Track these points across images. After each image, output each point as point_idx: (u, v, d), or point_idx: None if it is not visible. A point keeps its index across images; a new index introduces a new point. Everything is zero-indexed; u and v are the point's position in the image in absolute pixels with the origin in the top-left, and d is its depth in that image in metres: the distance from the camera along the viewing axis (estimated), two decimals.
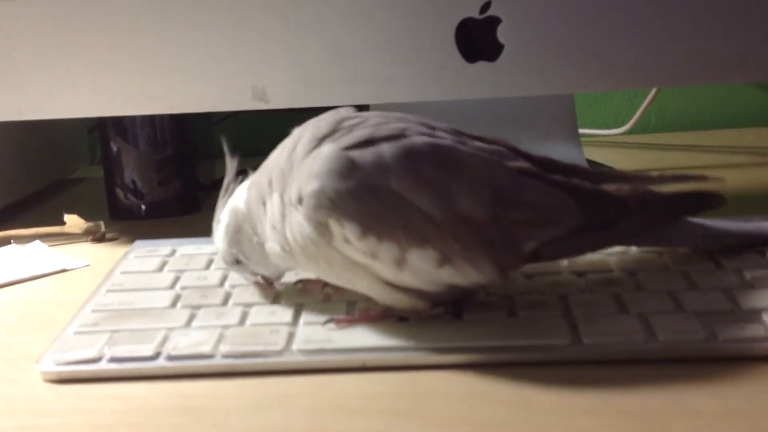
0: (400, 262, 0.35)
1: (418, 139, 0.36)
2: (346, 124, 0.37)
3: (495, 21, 0.51)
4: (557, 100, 0.64)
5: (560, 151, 0.63)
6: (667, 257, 0.42)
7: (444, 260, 0.35)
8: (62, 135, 0.75)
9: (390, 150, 0.35)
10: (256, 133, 0.83)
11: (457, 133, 0.38)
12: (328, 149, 0.35)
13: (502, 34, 0.51)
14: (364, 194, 0.34)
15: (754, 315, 0.35)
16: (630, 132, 0.81)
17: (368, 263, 0.35)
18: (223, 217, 0.40)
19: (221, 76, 0.52)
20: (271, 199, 0.37)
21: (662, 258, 0.42)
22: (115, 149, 0.61)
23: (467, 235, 0.35)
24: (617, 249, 0.44)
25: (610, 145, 0.79)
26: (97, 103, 0.52)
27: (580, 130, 0.67)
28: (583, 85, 0.53)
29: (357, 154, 0.35)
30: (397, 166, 0.35)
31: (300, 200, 0.35)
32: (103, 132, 0.61)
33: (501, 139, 0.39)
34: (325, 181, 0.34)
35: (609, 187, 0.38)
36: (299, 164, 0.36)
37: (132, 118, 0.60)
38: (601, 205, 0.38)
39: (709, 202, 0.40)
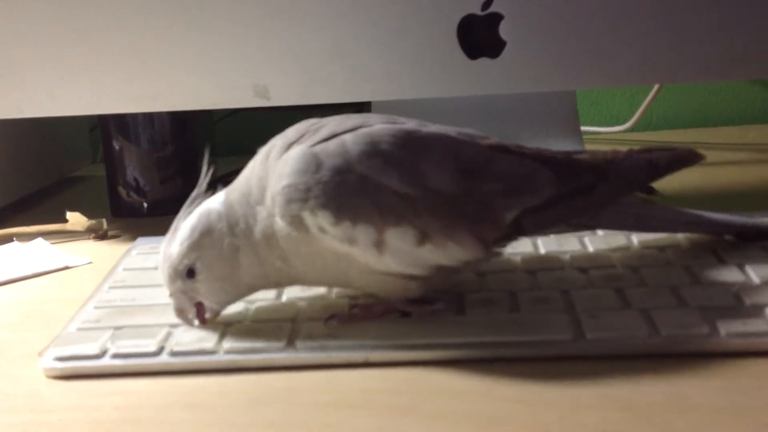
0: (378, 244, 0.35)
1: (378, 126, 0.37)
2: (313, 128, 0.37)
3: (497, 17, 0.51)
4: (559, 97, 0.64)
5: (562, 149, 0.63)
6: (669, 253, 0.42)
7: (423, 237, 0.35)
8: (64, 133, 0.75)
9: (352, 138, 0.36)
10: (257, 131, 0.83)
11: (422, 121, 0.38)
12: (294, 151, 0.36)
13: (503, 30, 0.51)
14: (331, 181, 0.35)
15: (757, 310, 0.35)
16: (632, 129, 0.81)
17: (348, 251, 0.35)
18: (187, 222, 0.37)
19: (223, 73, 0.52)
20: (258, 211, 0.36)
21: (664, 253, 0.42)
22: (116, 147, 0.61)
23: (442, 209, 0.35)
24: (618, 244, 0.44)
25: (612, 143, 0.79)
26: (98, 101, 0.53)
27: (582, 128, 0.67)
28: (585, 82, 0.53)
29: (320, 148, 0.35)
30: (359, 150, 0.35)
31: (274, 202, 0.35)
32: (104, 130, 0.61)
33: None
34: (292, 178, 0.35)
35: (582, 156, 0.39)
36: (272, 171, 0.36)
37: (134, 117, 0.60)
38: (575, 172, 0.38)
39: (685, 159, 0.40)
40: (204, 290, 0.37)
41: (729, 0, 0.50)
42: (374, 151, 0.36)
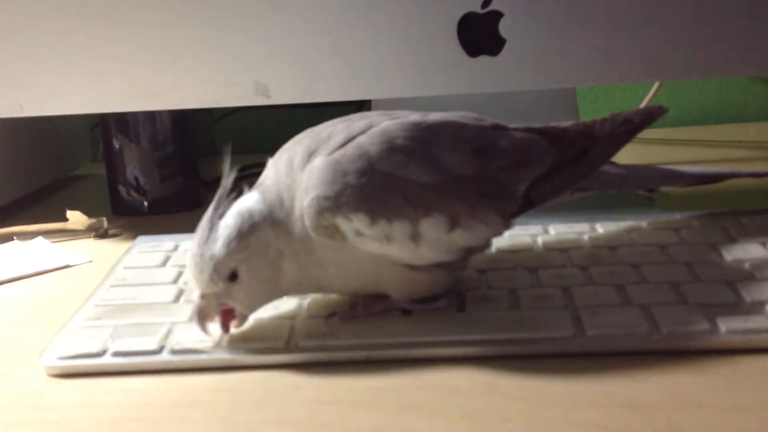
0: (414, 237, 0.36)
1: (387, 123, 0.37)
2: (324, 135, 0.37)
3: (497, 15, 0.51)
4: (559, 94, 0.64)
5: None
6: (670, 249, 0.42)
7: (454, 222, 0.36)
8: (64, 132, 0.75)
9: (367, 139, 0.36)
10: (257, 130, 0.83)
11: (420, 111, 0.39)
12: (317, 162, 0.36)
13: (503, 28, 0.51)
14: (358, 184, 0.35)
15: (757, 306, 0.35)
16: None
17: (385, 249, 0.35)
18: (227, 222, 0.35)
19: (223, 71, 0.52)
20: (293, 219, 0.36)
21: (665, 250, 0.42)
22: (117, 146, 0.61)
23: (465, 192, 0.37)
24: (620, 241, 0.44)
25: None
26: (99, 100, 0.52)
27: None
28: (585, 80, 0.53)
29: (339, 155, 0.36)
30: (378, 150, 0.36)
31: (304, 214, 0.35)
32: (105, 129, 0.61)
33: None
34: (319, 189, 0.35)
35: (567, 125, 0.41)
36: (299, 181, 0.36)
37: (134, 115, 0.60)
38: (567, 140, 0.40)
39: (653, 114, 0.43)
40: (242, 294, 0.35)
41: None
42: (392, 147, 0.36)
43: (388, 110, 0.40)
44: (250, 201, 0.36)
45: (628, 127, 0.41)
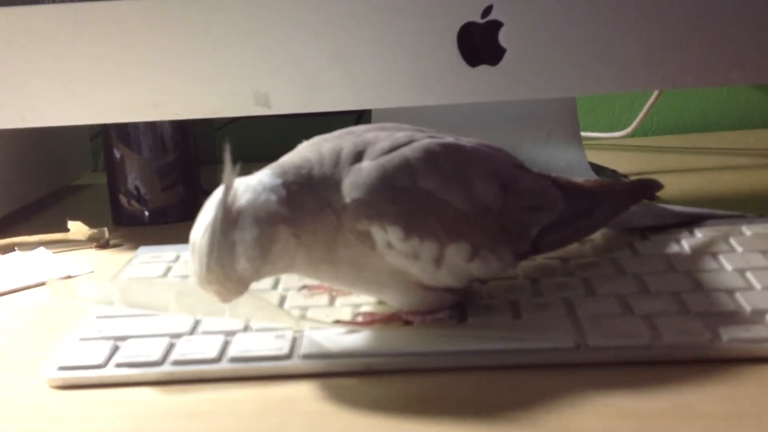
0: (438, 260, 0.35)
1: (427, 140, 0.37)
2: (368, 137, 0.37)
3: (496, 25, 0.51)
4: (559, 103, 0.64)
5: (562, 155, 0.63)
6: (671, 259, 0.42)
7: (475, 253, 0.36)
8: (65, 142, 0.75)
9: (411, 153, 0.36)
10: (257, 139, 0.83)
11: (454, 135, 0.39)
12: (365, 164, 0.35)
13: (503, 38, 0.51)
14: (400, 198, 0.35)
15: (758, 316, 0.35)
16: (632, 135, 0.81)
17: (407, 266, 0.35)
18: (247, 236, 0.33)
19: (224, 81, 0.52)
20: (327, 215, 0.34)
21: (666, 260, 0.42)
22: (118, 156, 0.61)
23: (490, 225, 0.37)
24: (621, 251, 0.44)
25: (613, 148, 0.79)
26: (99, 110, 0.53)
27: (582, 133, 0.67)
28: (585, 88, 0.53)
29: (386, 161, 0.35)
30: (423, 167, 0.36)
31: (342, 214, 0.35)
32: (106, 139, 0.61)
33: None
34: (362, 192, 0.34)
35: (579, 181, 0.42)
36: (344, 176, 0.35)
37: (135, 125, 0.60)
38: (575, 195, 0.41)
39: (651, 188, 0.45)
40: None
41: (728, 5, 0.50)
42: (435, 167, 0.36)
43: (413, 125, 0.39)
44: (271, 200, 0.33)
45: (628, 195, 0.43)
